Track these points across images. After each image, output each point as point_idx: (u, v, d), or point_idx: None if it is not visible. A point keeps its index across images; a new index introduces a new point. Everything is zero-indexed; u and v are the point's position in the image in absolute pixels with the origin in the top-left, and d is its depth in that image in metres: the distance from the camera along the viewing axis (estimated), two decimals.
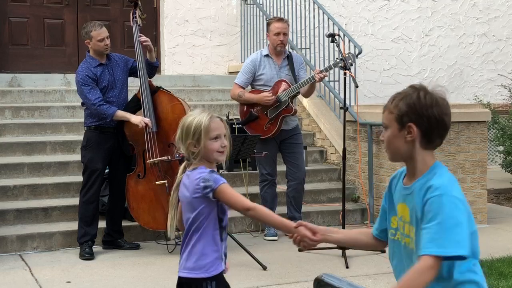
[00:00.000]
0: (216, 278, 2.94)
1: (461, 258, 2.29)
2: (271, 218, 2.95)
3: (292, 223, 2.83)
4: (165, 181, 5.98)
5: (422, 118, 2.42)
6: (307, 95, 6.75)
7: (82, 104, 6.20)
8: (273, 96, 6.48)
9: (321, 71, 6.34)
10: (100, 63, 6.09)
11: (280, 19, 6.70)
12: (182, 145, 3.01)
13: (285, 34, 6.55)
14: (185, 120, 2.99)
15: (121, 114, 6.02)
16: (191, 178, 2.95)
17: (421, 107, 2.42)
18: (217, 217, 2.97)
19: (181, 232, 6.37)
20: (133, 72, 6.26)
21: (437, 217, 2.30)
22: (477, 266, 2.45)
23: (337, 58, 6.45)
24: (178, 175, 3.06)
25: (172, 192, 3.09)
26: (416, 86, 2.50)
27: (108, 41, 6.09)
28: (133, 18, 6.37)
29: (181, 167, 3.07)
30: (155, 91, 6.21)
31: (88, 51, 6.17)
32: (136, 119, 5.99)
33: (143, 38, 6.22)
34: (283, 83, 6.54)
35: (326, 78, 8.41)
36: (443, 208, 2.30)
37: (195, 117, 2.97)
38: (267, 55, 6.64)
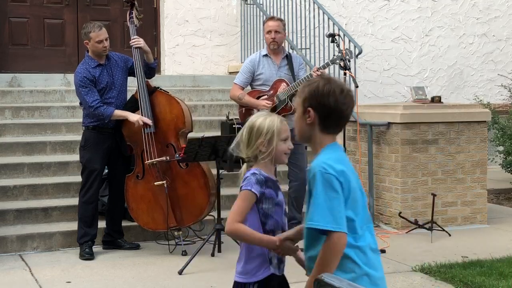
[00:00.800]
0: (260, 282, 2.99)
1: (323, 232, 2.55)
2: (252, 238, 2.96)
3: (274, 240, 2.94)
4: (164, 181, 5.98)
5: (319, 104, 2.69)
6: None
7: (80, 104, 6.20)
8: (271, 104, 6.48)
9: (318, 69, 6.34)
10: (98, 64, 6.08)
11: (272, 18, 6.74)
12: (246, 146, 3.03)
13: (277, 32, 6.55)
14: (255, 121, 3.02)
15: (119, 113, 6.01)
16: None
17: (319, 95, 2.69)
18: (259, 221, 3.01)
19: (181, 233, 6.39)
20: (133, 72, 6.25)
21: (313, 193, 2.58)
22: (358, 235, 2.63)
23: (334, 55, 6.45)
24: (241, 173, 3.12)
25: None
26: (322, 76, 2.82)
27: (107, 43, 6.07)
28: (129, 19, 6.37)
29: (243, 168, 3.13)
30: (153, 91, 6.20)
31: (87, 51, 6.17)
32: (134, 117, 5.98)
33: (135, 40, 6.19)
34: (282, 82, 6.55)
35: None
36: (316, 185, 2.58)
37: (266, 118, 3.03)
38: (266, 55, 6.65)
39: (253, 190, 2.97)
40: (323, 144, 2.72)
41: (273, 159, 3.05)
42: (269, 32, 6.56)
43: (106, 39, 6.07)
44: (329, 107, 2.70)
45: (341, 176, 2.58)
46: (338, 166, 2.59)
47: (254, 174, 3.01)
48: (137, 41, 6.19)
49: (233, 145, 3.11)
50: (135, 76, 6.24)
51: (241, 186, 3.03)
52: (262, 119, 3.02)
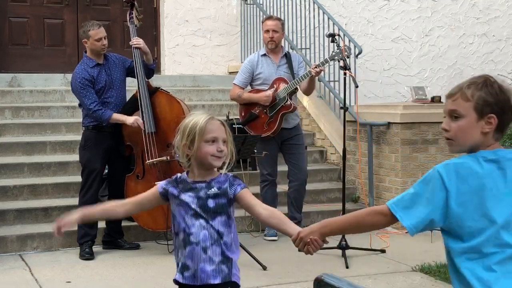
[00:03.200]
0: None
1: None
2: None
3: None
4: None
5: (503, 110, 2.35)
6: (307, 92, 6.73)
7: (79, 105, 6.20)
8: (271, 93, 6.48)
9: (317, 65, 6.34)
10: (97, 63, 6.08)
11: (270, 17, 6.77)
12: (179, 148, 2.90)
13: (275, 31, 6.57)
14: (183, 121, 2.90)
15: (117, 117, 6.00)
16: None
17: (503, 99, 2.35)
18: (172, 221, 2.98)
19: None
20: (130, 72, 6.26)
21: None
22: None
23: (333, 52, 6.45)
24: None
25: None
26: (487, 77, 2.41)
27: (105, 41, 6.08)
28: (129, 19, 6.38)
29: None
30: (153, 91, 6.21)
31: (85, 52, 6.17)
32: (130, 119, 5.99)
33: (135, 40, 6.20)
34: (282, 80, 6.55)
35: (326, 78, 8.44)
36: None
37: (193, 118, 2.87)
38: (264, 55, 6.66)
39: (156, 183, 2.97)
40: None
41: (198, 162, 2.86)
42: (267, 31, 6.58)
43: (104, 37, 6.07)
44: (511, 113, 2.38)
45: None
46: None
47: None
48: (137, 42, 6.19)
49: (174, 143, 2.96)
50: (133, 77, 6.25)
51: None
52: (189, 119, 2.87)
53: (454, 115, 2.39)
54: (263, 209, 2.89)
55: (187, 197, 2.87)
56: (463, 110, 2.36)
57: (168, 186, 2.92)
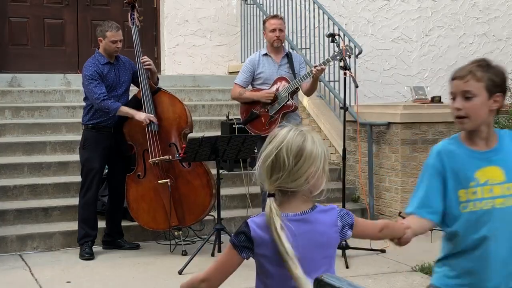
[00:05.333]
0: None
1: None
2: None
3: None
4: (168, 180, 5.99)
5: (506, 89, 2.57)
6: (308, 92, 6.73)
7: (84, 99, 6.20)
8: (273, 91, 6.48)
9: (318, 65, 6.34)
10: (108, 62, 6.11)
11: (275, 16, 6.77)
12: (288, 175, 2.26)
13: (281, 30, 6.58)
14: (302, 141, 2.26)
15: (125, 110, 6.02)
16: (320, 220, 2.36)
17: (505, 79, 2.56)
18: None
19: (181, 232, 6.39)
20: (135, 78, 6.27)
21: None
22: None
23: (334, 51, 6.45)
24: (272, 211, 2.26)
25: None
26: (486, 60, 2.60)
27: (120, 45, 6.12)
28: (131, 20, 6.40)
29: (271, 204, 2.28)
30: (156, 91, 6.23)
31: (98, 48, 6.18)
32: (141, 116, 5.99)
33: (145, 59, 6.22)
34: (283, 79, 6.55)
35: (326, 78, 8.44)
36: None
37: (312, 135, 2.30)
38: (265, 54, 6.66)
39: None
40: (492, 128, 2.61)
41: (312, 194, 2.37)
42: (273, 30, 6.56)
43: (120, 41, 6.11)
44: (508, 92, 2.69)
45: None
46: None
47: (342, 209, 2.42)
48: (148, 61, 6.20)
49: (257, 172, 2.32)
50: (136, 85, 6.28)
51: (344, 227, 2.37)
52: (310, 138, 2.28)
53: (467, 96, 2.53)
54: None
55: None
56: (476, 90, 2.51)
57: None
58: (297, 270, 2.21)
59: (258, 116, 6.58)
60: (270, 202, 2.27)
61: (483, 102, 2.53)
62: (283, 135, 2.27)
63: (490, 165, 2.58)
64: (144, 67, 6.18)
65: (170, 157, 6.02)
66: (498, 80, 2.53)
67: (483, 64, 2.55)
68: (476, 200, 2.57)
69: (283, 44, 6.83)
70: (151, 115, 6.03)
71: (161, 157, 6.02)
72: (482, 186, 2.57)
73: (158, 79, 6.42)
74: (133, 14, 6.40)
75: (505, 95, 2.56)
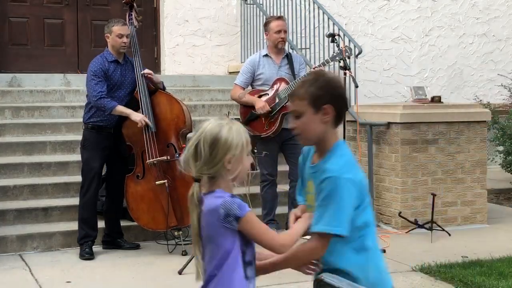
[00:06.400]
0: None
1: (341, 236, 2.54)
2: (301, 230, 2.67)
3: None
4: (165, 181, 5.98)
5: (335, 98, 2.62)
6: None
7: (87, 96, 6.20)
8: (269, 109, 6.47)
9: (317, 66, 6.35)
10: (115, 60, 6.10)
11: (280, 17, 6.77)
12: (206, 163, 2.49)
13: (285, 32, 6.60)
14: (218, 131, 2.49)
15: (121, 109, 6.01)
16: (208, 204, 2.51)
17: (332, 88, 2.63)
18: (240, 250, 2.51)
19: (181, 232, 6.37)
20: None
21: (326, 197, 2.53)
22: (369, 233, 2.65)
23: (334, 52, 6.45)
24: (193, 196, 2.53)
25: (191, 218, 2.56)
26: (317, 72, 2.77)
27: (126, 40, 6.12)
28: (129, 20, 6.39)
29: (195, 188, 2.53)
30: (153, 91, 6.22)
31: (107, 46, 6.19)
32: (137, 116, 5.98)
33: (147, 70, 6.20)
34: (282, 81, 6.55)
35: None
36: (333, 189, 2.53)
37: (231, 127, 2.51)
38: (266, 55, 6.66)
39: (250, 209, 2.51)
40: (332, 142, 2.65)
41: (235, 178, 2.54)
42: (278, 32, 6.56)
43: (126, 36, 6.12)
44: (342, 98, 2.66)
45: (360, 183, 2.59)
46: (358, 174, 2.60)
47: (232, 196, 2.50)
48: (149, 72, 6.19)
49: (182, 160, 2.56)
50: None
51: (229, 216, 2.45)
52: (227, 129, 2.50)
53: (296, 115, 2.65)
54: None
55: None
56: (300, 108, 2.61)
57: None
58: (196, 252, 2.56)
59: (257, 116, 6.58)
60: (194, 186, 2.52)
61: (310, 118, 2.60)
62: (203, 127, 2.53)
63: (311, 179, 2.71)
64: (147, 76, 6.16)
65: (168, 157, 6.02)
66: (322, 93, 2.59)
67: (309, 79, 2.65)
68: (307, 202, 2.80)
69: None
70: (147, 117, 6.02)
71: (158, 158, 6.02)
72: (308, 194, 2.77)
73: (164, 87, 6.38)
74: (131, 14, 6.41)
75: (338, 104, 2.60)
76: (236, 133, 2.51)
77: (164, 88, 6.36)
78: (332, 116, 2.61)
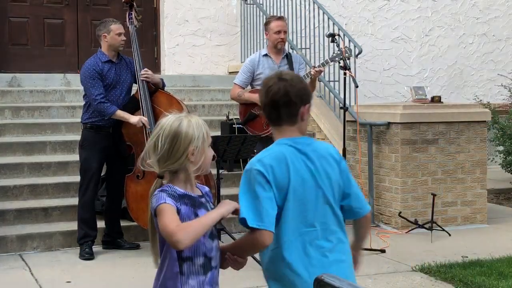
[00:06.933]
0: None
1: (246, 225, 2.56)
2: (204, 225, 2.48)
3: (221, 212, 2.57)
4: (166, 180, 5.97)
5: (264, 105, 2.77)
6: None
7: (84, 96, 6.20)
8: None
9: (317, 66, 6.34)
10: (109, 60, 6.10)
11: (280, 17, 6.75)
12: (167, 158, 2.52)
13: (285, 32, 6.59)
14: (178, 125, 2.52)
15: (120, 114, 6.01)
16: None
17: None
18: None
19: None
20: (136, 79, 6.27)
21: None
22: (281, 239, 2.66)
23: (334, 53, 6.45)
24: (150, 196, 2.58)
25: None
26: (266, 81, 2.78)
27: (125, 38, 6.14)
28: (129, 19, 6.39)
29: (156, 185, 2.58)
30: (154, 91, 6.22)
31: (100, 47, 6.18)
32: (134, 119, 5.99)
33: (144, 72, 6.15)
34: None
35: (326, 78, 8.44)
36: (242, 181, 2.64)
37: (190, 120, 2.55)
38: (266, 55, 6.65)
39: (167, 201, 2.47)
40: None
41: (199, 169, 2.58)
42: (278, 32, 6.55)
43: (124, 34, 6.14)
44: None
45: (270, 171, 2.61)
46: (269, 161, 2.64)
47: (163, 190, 2.51)
48: (146, 73, 6.15)
49: (141, 157, 2.60)
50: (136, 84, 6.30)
51: (152, 207, 2.51)
52: (186, 122, 2.53)
53: None
54: None
55: (202, 215, 2.55)
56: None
57: (179, 204, 2.51)
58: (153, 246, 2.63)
59: (256, 116, 6.58)
60: (156, 182, 2.57)
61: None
62: (161, 123, 2.55)
63: None
64: (143, 77, 6.14)
65: None
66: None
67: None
68: None
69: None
70: (144, 117, 6.01)
71: None
72: None
73: (164, 84, 6.37)
74: (131, 14, 6.40)
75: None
76: (196, 125, 2.54)
77: (164, 85, 6.35)
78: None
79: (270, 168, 2.62)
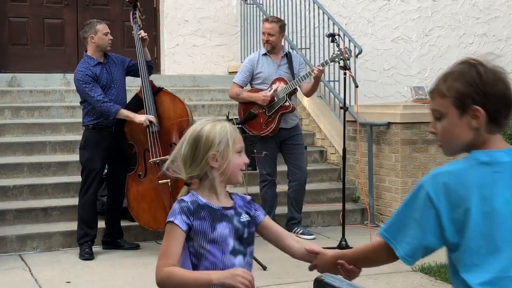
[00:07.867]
0: None
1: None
2: (185, 281, 2.37)
3: (209, 278, 2.32)
4: (168, 180, 5.98)
5: (487, 98, 2.00)
6: (309, 94, 6.75)
7: (81, 103, 6.19)
8: (270, 94, 6.48)
9: (318, 66, 6.35)
10: (98, 62, 6.09)
11: (267, 19, 6.74)
12: (190, 163, 2.44)
13: (271, 35, 6.56)
14: (200, 129, 2.42)
15: (125, 113, 6.00)
16: None
17: (483, 86, 2.02)
18: (190, 262, 2.45)
19: None
20: (130, 71, 6.27)
21: None
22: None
23: (334, 53, 6.45)
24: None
25: None
26: (470, 61, 2.09)
27: (111, 37, 6.14)
28: (133, 19, 6.38)
29: (182, 192, 2.51)
30: (157, 91, 6.23)
31: (85, 51, 6.16)
32: (141, 118, 5.98)
33: (143, 32, 6.24)
34: (281, 80, 6.55)
35: (326, 78, 8.44)
36: None
37: (215, 124, 2.42)
38: (265, 54, 6.66)
39: (175, 221, 2.37)
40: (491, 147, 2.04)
41: (226, 178, 2.43)
42: (263, 33, 6.61)
43: (110, 33, 6.15)
44: (501, 98, 2.02)
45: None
46: None
47: (181, 201, 2.41)
48: (145, 34, 6.22)
49: (168, 162, 2.51)
50: (133, 76, 6.31)
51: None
52: (210, 126, 2.42)
53: (436, 116, 2.09)
54: (295, 241, 2.63)
55: (222, 229, 2.40)
56: (442, 108, 2.05)
57: (192, 218, 2.37)
58: None
59: (255, 115, 6.58)
60: (182, 190, 2.49)
61: (453, 122, 2.04)
62: (189, 129, 2.49)
63: None
64: (141, 36, 6.17)
65: None
66: (469, 90, 2.02)
67: (455, 71, 2.09)
68: None
69: (282, 44, 6.83)
70: (151, 115, 6.02)
71: (162, 157, 6.02)
72: None
73: (151, 60, 6.37)
74: (135, 13, 6.39)
75: (489, 105, 2.01)
76: (220, 129, 2.40)
77: (152, 66, 6.36)
78: (483, 121, 2.01)
79: None
